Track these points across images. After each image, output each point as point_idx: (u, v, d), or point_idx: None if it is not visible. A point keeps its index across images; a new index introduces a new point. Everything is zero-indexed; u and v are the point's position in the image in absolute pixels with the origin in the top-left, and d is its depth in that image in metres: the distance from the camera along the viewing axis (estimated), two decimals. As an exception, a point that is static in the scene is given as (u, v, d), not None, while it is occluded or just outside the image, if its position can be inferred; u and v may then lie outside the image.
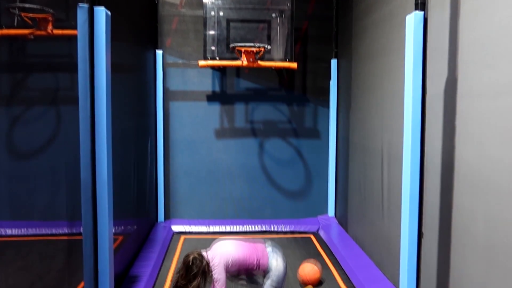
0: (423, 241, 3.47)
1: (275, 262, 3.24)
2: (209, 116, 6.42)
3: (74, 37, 2.95)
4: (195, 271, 3.06)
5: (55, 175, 2.90)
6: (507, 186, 2.51)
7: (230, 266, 3.16)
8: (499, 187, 2.59)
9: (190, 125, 6.39)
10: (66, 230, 3.05)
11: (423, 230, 3.49)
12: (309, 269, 4.25)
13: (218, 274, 3.11)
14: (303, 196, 6.56)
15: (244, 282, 3.41)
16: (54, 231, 2.89)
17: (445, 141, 3.18)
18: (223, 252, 3.16)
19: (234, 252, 3.17)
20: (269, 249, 3.30)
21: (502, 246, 2.56)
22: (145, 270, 4.34)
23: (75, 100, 3.09)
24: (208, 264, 3.12)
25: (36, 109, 2.91)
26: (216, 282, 3.14)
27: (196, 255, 3.12)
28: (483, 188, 2.74)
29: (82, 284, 3.28)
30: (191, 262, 3.09)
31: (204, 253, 3.17)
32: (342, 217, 6.07)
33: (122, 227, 4.39)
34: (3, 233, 2.55)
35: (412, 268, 3.48)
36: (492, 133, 2.65)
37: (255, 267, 3.23)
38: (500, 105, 2.58)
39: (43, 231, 2.80)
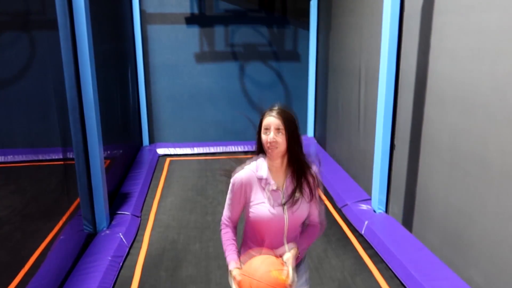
0: (395, 152, 3.76)
1: None
2: (188, 39, 6.33)
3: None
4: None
5: (40, 100, 2.96)
6: (471, 97, 2.72)
7: None
8: (464, 99, 2.80)
9: (170, 49, 6.31)
10: (59, 155, 3.18)
11: (396, 142, 3.76)
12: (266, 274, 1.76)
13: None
14: (283, 118, 6.75)
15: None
16: (46, 157, 3.01)
17: (420, 57, 3.33)
18: None
19: None
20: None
21: (462, 151, 2.84)
22: (135, 188, 4.57)
23: (51, 24, 3.05)
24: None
25: (7, 34, 2.86)
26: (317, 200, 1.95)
27: None
28: (451, 100, 2.95)
29: (77, 200, 3.49)
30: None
31: None
32: (321, 137, 6.35)
33: (110, 151, 4.53)
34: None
35: (383, 177, 3.81)
36: (464, 48, 2.80)
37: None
38: (472, 21, 2.70)
39: (35, 157, 2.92)
